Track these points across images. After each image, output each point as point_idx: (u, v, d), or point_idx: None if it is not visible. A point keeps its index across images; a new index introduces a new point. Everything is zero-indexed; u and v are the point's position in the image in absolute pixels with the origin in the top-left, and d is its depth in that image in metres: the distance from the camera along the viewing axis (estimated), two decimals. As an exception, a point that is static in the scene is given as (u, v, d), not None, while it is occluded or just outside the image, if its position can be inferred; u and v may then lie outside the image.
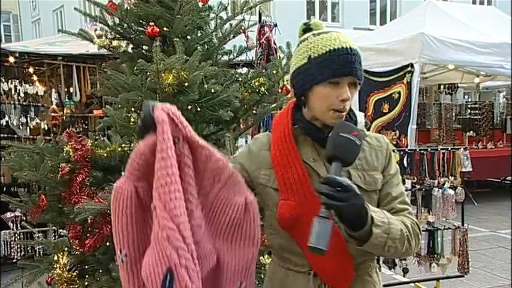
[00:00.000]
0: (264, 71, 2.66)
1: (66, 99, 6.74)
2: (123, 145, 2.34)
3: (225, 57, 2.71)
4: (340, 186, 1.10)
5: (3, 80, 5.95)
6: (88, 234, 2.09)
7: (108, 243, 2.11)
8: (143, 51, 2.55)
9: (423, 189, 3.69)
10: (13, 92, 6.06)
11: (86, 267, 2.32)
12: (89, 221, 2.04)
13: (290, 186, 1.26)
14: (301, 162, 1.27)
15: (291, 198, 1.25)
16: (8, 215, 3.34)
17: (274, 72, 2.61)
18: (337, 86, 1.21)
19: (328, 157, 1.17)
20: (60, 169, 2.20)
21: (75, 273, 2.24)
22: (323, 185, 1.11)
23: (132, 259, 1.05)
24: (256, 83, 2.53)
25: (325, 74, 1.20)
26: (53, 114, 6.48)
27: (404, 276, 3.76)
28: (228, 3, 2.74)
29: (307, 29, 1.31)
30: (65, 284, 2.21)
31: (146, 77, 2.16)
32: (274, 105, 2.73)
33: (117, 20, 2.51)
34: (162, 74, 2.09)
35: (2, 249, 4.20)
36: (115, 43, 2.52)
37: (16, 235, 4.04)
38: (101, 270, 2.21)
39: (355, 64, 1.21)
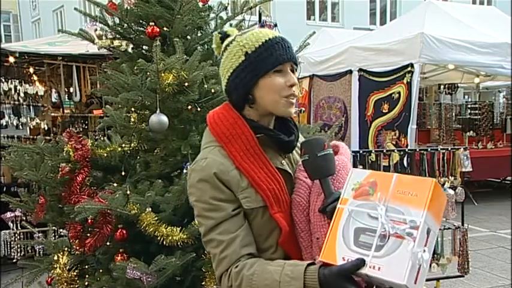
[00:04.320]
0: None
1: (66, 99, 6.74)
2: (123, 145, 2.35)
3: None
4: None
5: (3, 80, 5.95)
6: (88, 234, 2.09)
7: (108, 243, 2.11)
8: (143, 51, 2.56)
9: (423, 189, 3.67)
10: (13, 92, 6.07)
11: (86, 267, 2.32)
12: (89, 220, 2.04)
13: (276, 198, 1.20)
14: (276, 170, 1.23)
15: (278, 210, 1.20)
16: (8, 215, 3.33)
17: (274, 72, 2.60)
18: (281, 73, 1.21)
19: (317, 179, 1.20)
20: (60, 169, 2.20)
21: (75, 273, 2.24)
22: (332, 204, 1.13)
23: None
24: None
25: (269, 64, 1.19)
26: (53, 114, 6.49)
27: (404, 276, 3.75)
28: (228, 3, 2.74)
29: (224, 37, 1.29)
30: (65, 284, 2.21)
31: (146, 77, 2.16)
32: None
33: (117, 20, 2.52)
34: (162, 74, 2.09)
35: (2, 249, 4.20)
36: (115, 43, 2.52)
37: (16, 235, 4.03)
38: (101, 270, 2.21)
39: (291, 50, 1.23)
